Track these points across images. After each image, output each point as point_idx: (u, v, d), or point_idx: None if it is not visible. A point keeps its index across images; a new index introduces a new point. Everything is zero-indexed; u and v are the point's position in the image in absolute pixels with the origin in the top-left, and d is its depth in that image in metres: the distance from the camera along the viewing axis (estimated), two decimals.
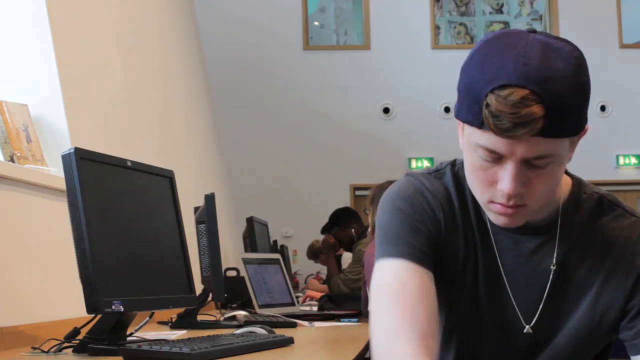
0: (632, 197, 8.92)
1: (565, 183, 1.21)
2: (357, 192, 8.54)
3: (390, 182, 3.04)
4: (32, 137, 2.19)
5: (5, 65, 2.28)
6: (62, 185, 1.57)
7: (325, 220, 5.46)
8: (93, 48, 2.81)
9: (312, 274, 6.85)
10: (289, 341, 1.78)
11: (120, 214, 1.66)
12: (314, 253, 6.24)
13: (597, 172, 8.55)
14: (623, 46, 8.79)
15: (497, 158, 1.06)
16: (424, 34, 8.68)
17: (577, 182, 1.23)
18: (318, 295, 4.42)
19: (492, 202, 1.11)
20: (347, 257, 5.33)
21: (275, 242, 6.02)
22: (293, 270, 6.85)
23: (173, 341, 1.55)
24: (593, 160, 8.60)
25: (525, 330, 1.21)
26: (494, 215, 1.13)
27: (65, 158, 1.53)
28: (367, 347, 1.84)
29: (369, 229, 3.06)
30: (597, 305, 1.19)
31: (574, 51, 1.05)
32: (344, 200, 8.07)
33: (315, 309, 3.91)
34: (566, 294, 1.20)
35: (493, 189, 1.09)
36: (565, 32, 8.83)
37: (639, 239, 1.18)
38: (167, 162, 2.19)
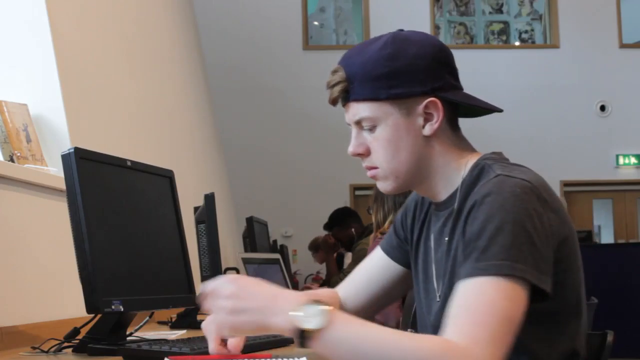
0: (632, 197, 8.92)
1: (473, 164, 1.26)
2: (357, 192, 8.54)
3: None
4: (32, 137, 2.19)
5: (5, 65, 2.28)
6: (62, 185, 1.56)
7: (324, 220, 5.46)
8: (93, 48, 2.81)
9: (312, 274, 6.85)
10: (289, 341, 1.78)
11: (120, 214, 1.65)
12: (315, 246, 6.23)
13: (597, 171, 8.56)
14: (623, 46, 8.79)
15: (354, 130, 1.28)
16: None
17: (479, 159, 1.25)
18: None
19: None
20: (349, 257, 5.34)
21: (275, 242, 6.02)
22: (293, 270, 6.85)
23: (173, 341, 1.55)
24: (593, 160, 8.60)
25: (437, 299, 1.27)
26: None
27: (65, 158, 1.52)
28: None
29: (374, 227, 2.99)
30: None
31: (392, 35, 1.24)
32: (344, 200, 8.08)
33: None
34: (449, 263, 1.23)
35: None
36: (565, 32, 8.84)
37: (480, 187, 1.16)
38: (167, 162, 2.18)
